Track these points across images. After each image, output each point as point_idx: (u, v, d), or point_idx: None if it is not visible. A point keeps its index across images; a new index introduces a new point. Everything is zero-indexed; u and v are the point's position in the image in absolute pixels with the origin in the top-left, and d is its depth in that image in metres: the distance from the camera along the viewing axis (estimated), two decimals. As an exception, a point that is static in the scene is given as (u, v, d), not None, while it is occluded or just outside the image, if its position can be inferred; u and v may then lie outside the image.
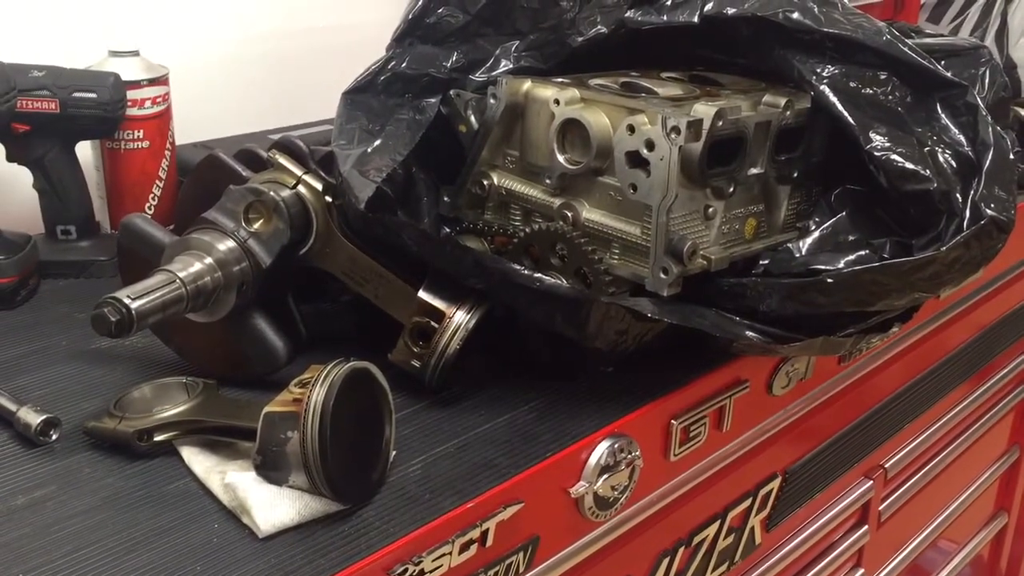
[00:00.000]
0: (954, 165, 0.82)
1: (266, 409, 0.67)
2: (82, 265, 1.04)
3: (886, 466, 1.25)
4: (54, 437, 0.74)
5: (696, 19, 0.91)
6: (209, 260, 0.78)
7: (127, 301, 0.70)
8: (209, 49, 1.30)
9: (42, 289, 1.01)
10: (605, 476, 0.78)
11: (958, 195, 0.80)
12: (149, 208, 1.10)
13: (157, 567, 0.62)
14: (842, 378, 1.09)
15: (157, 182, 1.10)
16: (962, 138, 0.84)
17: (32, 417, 0.74)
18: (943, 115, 0.85)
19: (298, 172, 0.84)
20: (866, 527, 1.25)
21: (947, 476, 1.43)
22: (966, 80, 0.85)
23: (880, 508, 1.28)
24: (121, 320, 0.70)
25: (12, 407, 0.75)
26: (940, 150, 0.83)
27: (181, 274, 0.75)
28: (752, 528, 1.03)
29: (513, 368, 0.85)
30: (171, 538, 0.64)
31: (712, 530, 0.97)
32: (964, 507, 1.52)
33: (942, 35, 1.00)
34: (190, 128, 1.18)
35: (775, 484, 1.04)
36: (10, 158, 1.02)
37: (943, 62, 0.87)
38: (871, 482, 1.23)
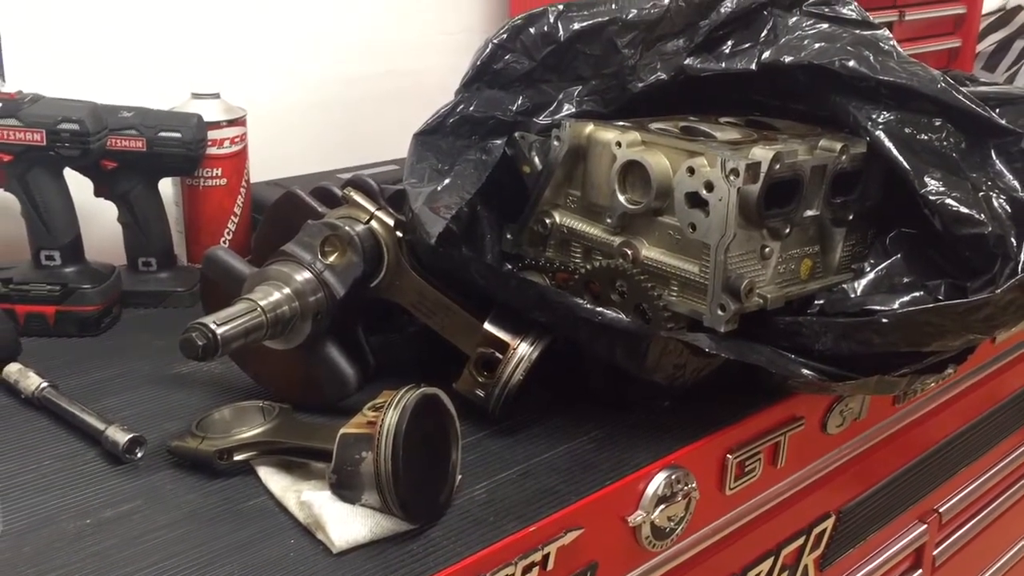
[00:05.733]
0: (1008, 210, 0.84)
1: (342, 430, 0.70)
2: (161, 295, 1.09)
3: (941, 510, 1.25)
4: (139, 455, 0.78)
5: (754, 66, 0.95)
6: (287, 290, 0.82)
7: (213, 327, 0.74)
8: (279, 94, 1.36)
9: (124, 317, 1.06)
10: (662, 506, 0.80)
11: (1012, 239, 0.82)
12: (224, 242, 1.15)
13: (237, 579, 0.65)
14: (896, 419, 1.10)
15: (232, 218, 1.15)
16: (1016, 184, 0.85)
17: (120, 436, 0.78)
18: (997, 161, 0.87)
19: (371, 208, 0.88)
20: (920, 571, 1.25)
21: (1003, 523, 1.42)
22: (1020, 127, 0.87)
23: (935, 553, 1.27)
24: (207, 344, 0.74)
25: (100, 426, 0.80)
26: (995, 195, 0.85)
27: (262, 303, 0.80)
28: (805, 567, 1.03)
29: (573, 399, 0.88)
30: (250, 552, 0.68)
31: (765, 567, 0.98)
32: (1021, 555, 1.50)
33: (997, 83, 1.02)
34: (260, 166, 1.23)
35: (829, 523, 1.04)
36: (97, 193, 1.08)
37: (997, 109, 0.89)
38: (925, 526, 1.23)
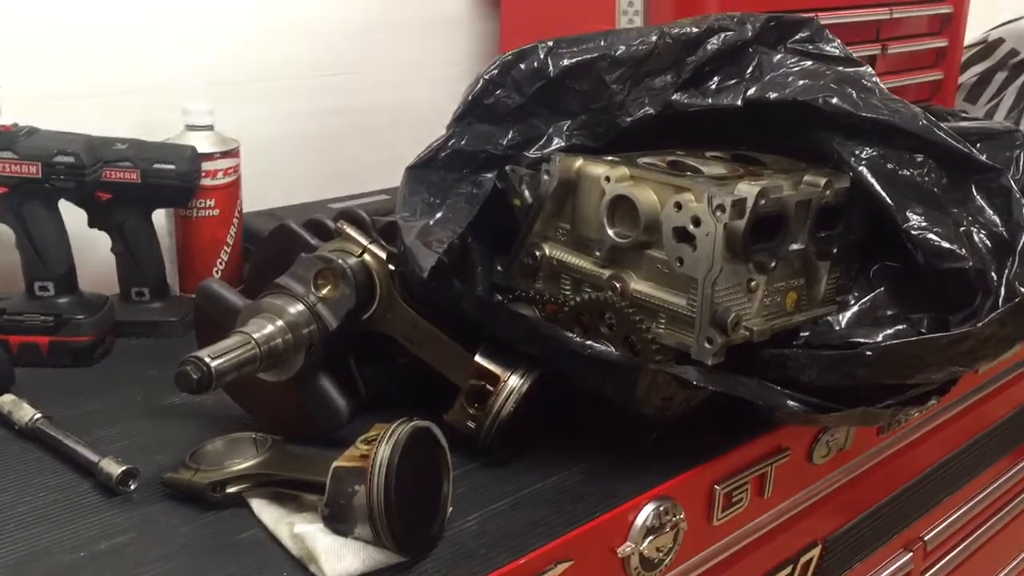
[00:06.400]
0: (989, 245, 0.86)
1: (335, 464, 0.71)
2: (154, 325, 1.09)
3: (926, 539, 1.26)
4: (133, 487, 0.79)
5: (740, 102, 0.97)
6: (280, 323, 0.83)
7: (208, 360, 0.75)
8: (268, 124, 1.37)
9: (117, 347, 1.07)
10: (651, 537, 0.81)
11: (993, 274, 0.84)
12: (216, 272, 1.16)
13: (230, 611, 0.66)
14: (881, 449, 1.12)
15: (225, 248, 1.16)
16: (997, 219, 0.87)
17: (113, 468, 0.79)
18: (978, 196, 0.89)
19: (364, 242, 0.89)
20: (906, 600, 1.26)
21: (988, 551, 1.43)
22: (1000, 163, 0.89)
23: (921, 581, 1.28)
24: (202, 378, 0.75)
25: (94, 458, 0.80)
26: (975, 230, 0.87)
27: (256, 335, 0.81)
28: (793, 596, 1.04)
29: (563, 431, 0.89)
30: (243, 584, 0.68)
31: (754, 596, 0.98)
32: (1006, 583, 1.52)
33: (977, 119, 1.04)
34: (251, 196, 1.24)
35: (815, 553, 1.05)
36: (92, 224, 1.09)
37: (978, 145, 0.91)
38: (911, 554, 1.24)
